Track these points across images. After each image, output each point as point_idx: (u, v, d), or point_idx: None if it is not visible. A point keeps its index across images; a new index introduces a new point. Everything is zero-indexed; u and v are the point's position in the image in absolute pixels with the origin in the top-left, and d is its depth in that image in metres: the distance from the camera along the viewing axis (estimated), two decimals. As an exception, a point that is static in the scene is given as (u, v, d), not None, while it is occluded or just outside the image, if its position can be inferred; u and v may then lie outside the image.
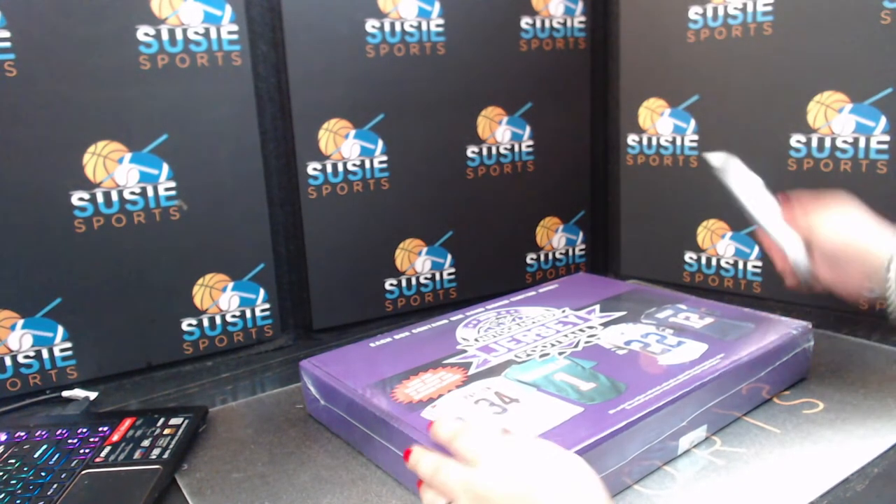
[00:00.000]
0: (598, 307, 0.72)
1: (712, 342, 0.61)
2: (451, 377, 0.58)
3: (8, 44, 0.66)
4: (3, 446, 0.58)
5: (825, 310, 0.81)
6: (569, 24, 0.95)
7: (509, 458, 0.40)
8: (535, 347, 0.63)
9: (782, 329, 0.63)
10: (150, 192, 0.74)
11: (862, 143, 0.77)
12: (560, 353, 0.61)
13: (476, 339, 0.66)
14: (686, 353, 0.59)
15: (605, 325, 0.67)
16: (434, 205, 0.90)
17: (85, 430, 0.60)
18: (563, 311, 0.72)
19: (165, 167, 0.74)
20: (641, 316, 0.69)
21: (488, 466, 0.40)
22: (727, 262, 0.90)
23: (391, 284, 0.89)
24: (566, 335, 0.65)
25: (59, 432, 0.60)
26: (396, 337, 0.68)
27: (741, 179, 0.67)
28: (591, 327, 0.67)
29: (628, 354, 0.60)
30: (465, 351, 0.63)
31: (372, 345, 0.67)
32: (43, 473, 0.53)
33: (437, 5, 0.85)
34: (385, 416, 0.53)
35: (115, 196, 0.72)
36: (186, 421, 0.61)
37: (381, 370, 0.60)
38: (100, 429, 0.60)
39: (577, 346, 0.63)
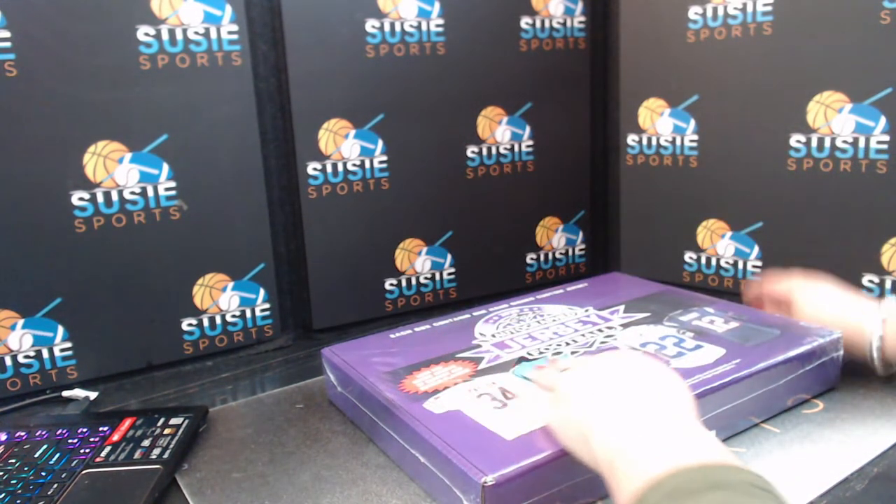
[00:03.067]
0: (622, 307, 0.71)
1: (731, 347, 0.60)
2: (460, 370, 0.58)
3: (8, 44, 0.66)
4: (3, 446, 0.58)
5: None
6: (569, 24, 0.95)
7: (574, 382, 0.46)
8: (549, 346, 0.63)
9: (809, 337, 0.61)
10: (150, 192, 0.74)
11: (862, 143, 0.77)
12: (573, 353, 0.61)
13: (493, 335, 0.66)
14: (700, 357, 0.58)
15: (626, 326, 0.67)
16: (434, 205, 0.90)
17: (85, 429, 0.60)
18: (586, 311, 0.71)
19: (165, 167, 0.74)
20: (665, 318, 0.68)
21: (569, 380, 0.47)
22: (727, 262, 0.90)
23: (391, 284, 0.89)
24: (583, 335, 0.65)
25: (59, 432, 0.60)
26: (417, 329, 0.69)
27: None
28: (610, 328, 0.66)
29: None
30: (479, 346, 0.64)
31: (392, 336, 0.68)
32: (43, 473, 0.53)
33: (437, 5, 0.85)
34: (389, 404, 0.54)
35: (115, 196, 0.72)
36: (186, 421, 0.61)
37: (395, 360, 0.61)
38: (100, 429, 0.60)
39: (591, 346, 0.62)
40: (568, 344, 0.63)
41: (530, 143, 0.95)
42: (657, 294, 0.76)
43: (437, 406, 0.53)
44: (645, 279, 0.82)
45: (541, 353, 0.61)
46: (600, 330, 0.66)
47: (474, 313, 0.72)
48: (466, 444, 0.47)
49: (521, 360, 0.60)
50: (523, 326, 0.68)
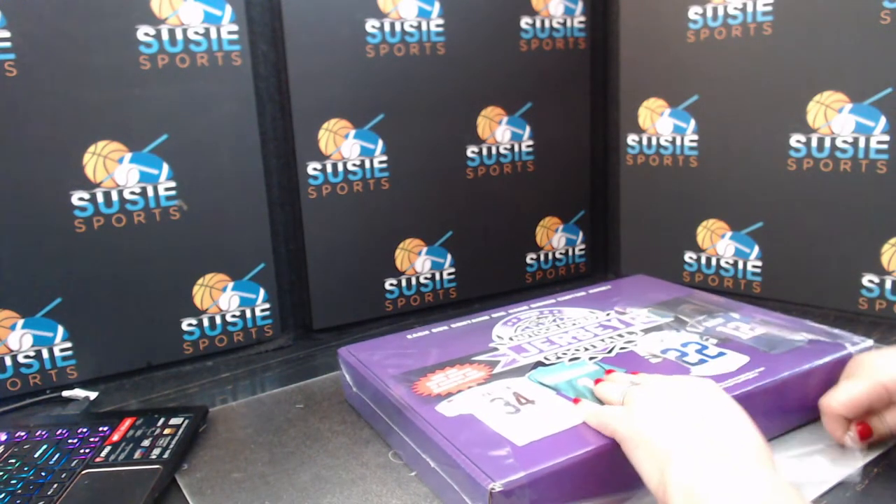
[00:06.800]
0: (645, 311, 0.70)
1: (755, 355, 0.58)
2: (474, 374, 0.58)
3: (8, 44, 0.66)
4: (3, 446, 0.58)
5: (823, 308, 0.82)
6: (569, 24, 0.95)
7: (649, 398, 0.46)
8: (566, 350, 0.61)
9: (838, 344, 0.58)
10: (150, 192, 0.74)
11: (862, 143, 0.77)
12: (591, 358, 0.59)
13: (511, 338, 0.65)
14: (723, 364, 0.56)
15: (647, 331, 0.65)
16: (434, 205, 0.90)
17: (85, 429, 0.60)
18: (608, 315, 0.69)
19: (165, 167, 0.74)
20: (688, 324, 0.66)
21: (632, 408, 0.46)
22: (727, 262, 0.90)
23: (391, 284, 0.89)
24: (603, 339, 0.63)
25: (59, 432, 0.60)
26: (434, 330, 0.68)
27: None
28: (631, 332, 0.65)
29: (661, 363, 0.58)
30: (496, 349, 0.63)
31: (409, 336, 0.67)
32: (43, 473, 0.53)
33: (437, 5, 0.85)
34: (402, 406, 0.53)
35: (115, 196, 0.72)
36: (186, 421, 0.61)
37: (409, 362, 0.61)
38: (100, 429, 0.60)
39: (610, 351, 0.61)
40: (587, 349, 0.61)
41: (530, 143, 0.95)
42: (682, 298, 0.74)
43: (450, 409, 0.52)
44: (670, 282, 0.80)
45: (558, 357, 0.60)
46: (620, 335, 0.64)
47: (493, 315, 0.71)
48: (476, 449, 0.46)
49: (538, 364, 0.59)
50: (542, 330, 0.66)
